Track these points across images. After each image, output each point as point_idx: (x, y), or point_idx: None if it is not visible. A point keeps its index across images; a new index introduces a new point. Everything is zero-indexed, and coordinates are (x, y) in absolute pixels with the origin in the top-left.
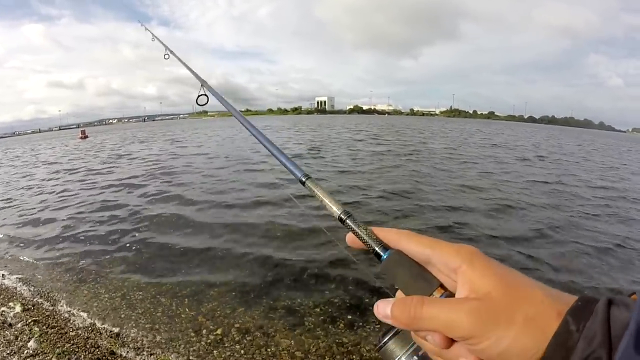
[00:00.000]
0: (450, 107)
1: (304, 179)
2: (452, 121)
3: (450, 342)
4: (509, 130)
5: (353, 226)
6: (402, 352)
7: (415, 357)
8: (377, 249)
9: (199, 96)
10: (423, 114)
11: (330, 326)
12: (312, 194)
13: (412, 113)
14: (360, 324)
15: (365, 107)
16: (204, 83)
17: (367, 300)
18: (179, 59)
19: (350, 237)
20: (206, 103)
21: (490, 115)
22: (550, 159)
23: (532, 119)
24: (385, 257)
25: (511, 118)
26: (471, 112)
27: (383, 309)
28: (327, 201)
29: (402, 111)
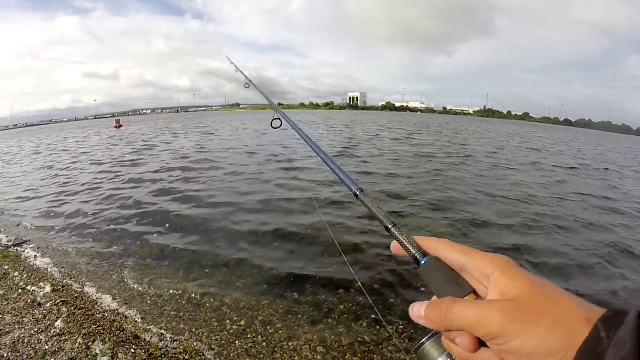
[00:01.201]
0: (484, 106)
1: (357, 192)
2: (488, 122)
3: (478, 345)
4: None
5: (397, 235)
6: (439, 353)
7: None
8: (416, 255)
9: (273, 120)
10: (456, 113)
11: (353, 324)
12: (364, 206)
13: (445, 112)
14: (384, 323)
15: (397, 105)
16: (276, 109)
17: (391, 300)
18: (258, 89)
19: (394, 245)
20: (280, 126)
21: (525, 117)
22: None
23: (567, 122)
24: (423, 262)
25: (546, 120)
26: (505, 112)
27: (418, 310)
28: (378, 213)
29: (435, 109)
